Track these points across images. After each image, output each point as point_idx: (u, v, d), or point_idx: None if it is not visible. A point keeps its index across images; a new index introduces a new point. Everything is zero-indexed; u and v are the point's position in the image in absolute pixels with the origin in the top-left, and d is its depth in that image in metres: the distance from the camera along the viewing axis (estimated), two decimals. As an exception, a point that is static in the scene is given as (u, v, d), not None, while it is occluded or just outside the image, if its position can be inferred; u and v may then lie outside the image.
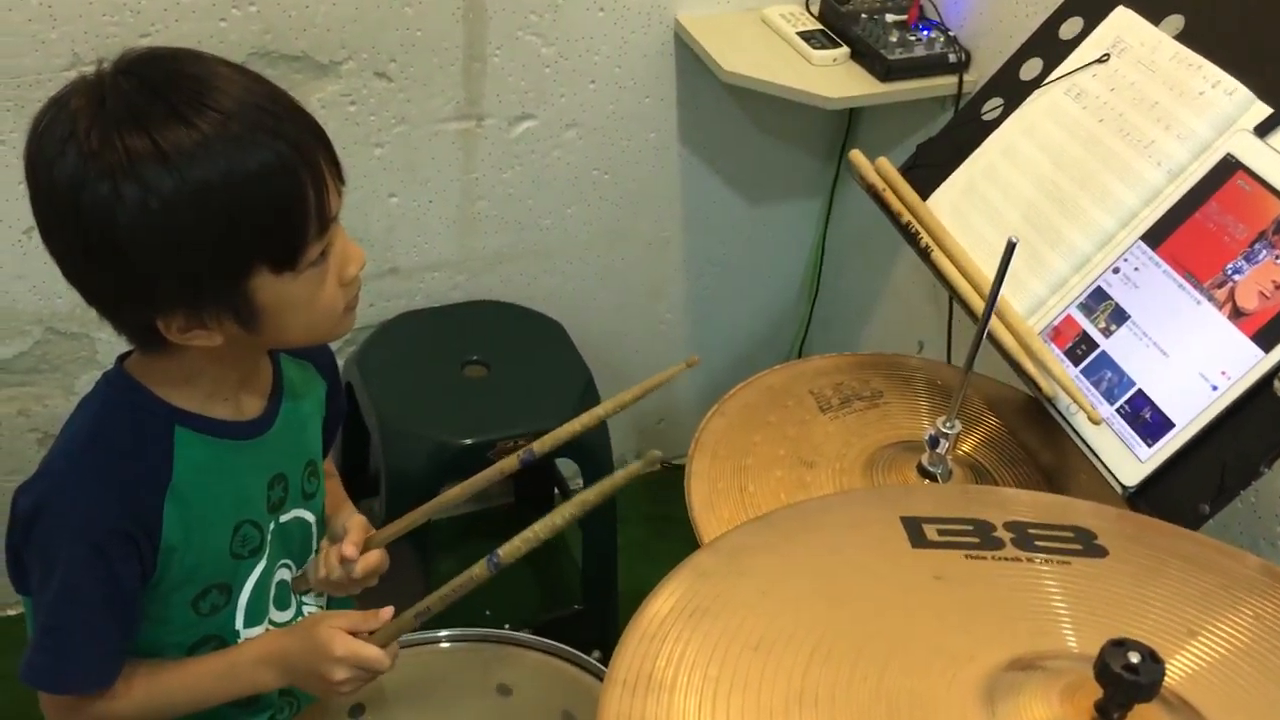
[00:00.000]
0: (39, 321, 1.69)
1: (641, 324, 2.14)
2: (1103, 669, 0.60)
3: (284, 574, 1.13)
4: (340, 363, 1.51)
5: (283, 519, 1.10)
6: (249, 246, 0.88)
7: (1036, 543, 0.80)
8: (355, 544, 1.11)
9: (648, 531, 2.07)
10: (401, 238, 1.84)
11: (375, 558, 1.12)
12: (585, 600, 1.89)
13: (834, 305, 2.18)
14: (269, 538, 1.08)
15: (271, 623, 1.12)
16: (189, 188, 0.84)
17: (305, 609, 1.18)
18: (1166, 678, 0.62)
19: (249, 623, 1.09)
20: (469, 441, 1.66)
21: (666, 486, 2.21)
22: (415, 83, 1.70)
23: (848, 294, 2.13)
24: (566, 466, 2.02)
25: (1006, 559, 0.78)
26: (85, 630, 0.98)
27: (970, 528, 0.80)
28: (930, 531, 0.79)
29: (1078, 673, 0.64)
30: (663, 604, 0.74)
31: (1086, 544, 0.81)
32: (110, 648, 1.00)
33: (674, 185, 1.98)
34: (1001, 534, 0.80)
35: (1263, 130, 1.11)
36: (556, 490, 2.16)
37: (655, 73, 1.84)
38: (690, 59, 1.81)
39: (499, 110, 1.78)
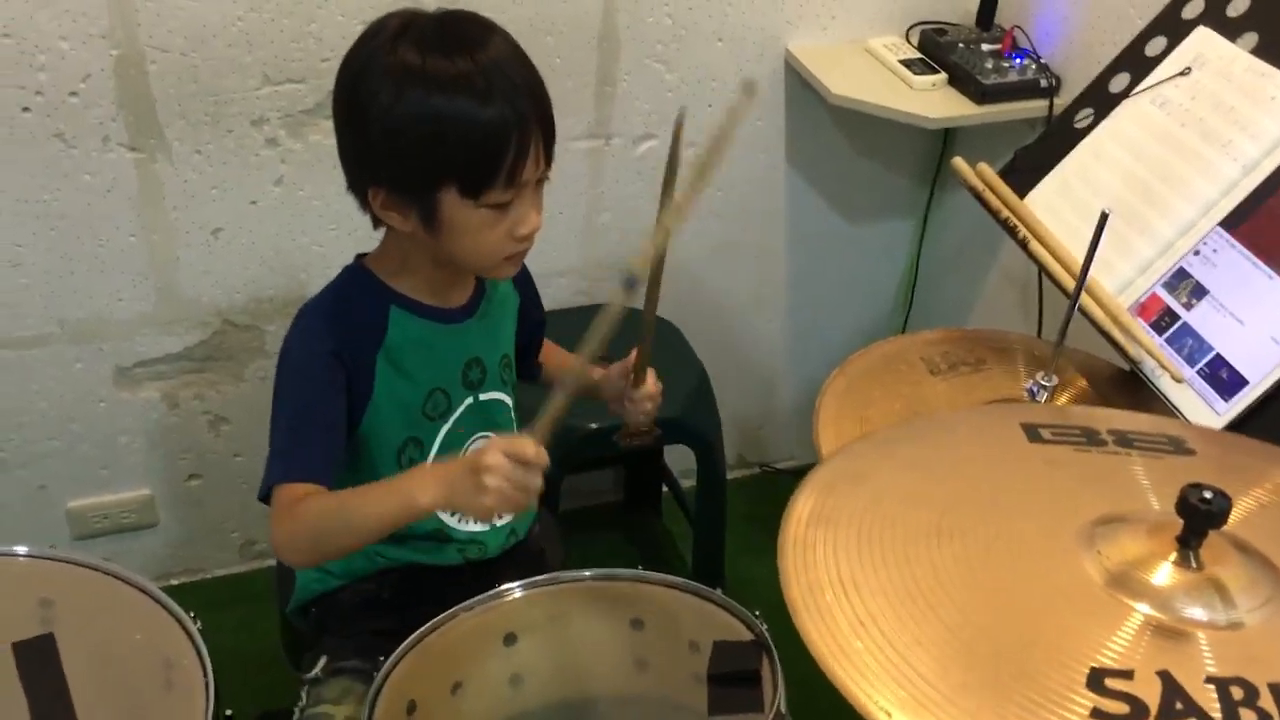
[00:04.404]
0: (218, 314, 1.89)
1: (748, 330, 2.30)
2: (1182, 502, 0.76)
3: (480, 444, 1.34)
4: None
5: (482, 397, 1.33)
6: (450, 165, 1.12)
7: (1135, 443, 0.95)
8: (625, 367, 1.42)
9: (748, 528, 2.20)
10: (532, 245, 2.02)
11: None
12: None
13: (926, 320, 2.32)
14: (459, 407, 1.31)
15: None
16: (430, 108, 1.09)
17: None
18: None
19: None
20: (595, 426, 1.83)
21: (763, 489, 2.36)
22: (553, 103, 1.89)
23: (940, 309, 2.27)
24: (679, 462, 2.17)
25: (1108, 453, 0.93)
26: (311, 437, 1.20)
27: (1079, 431, 0.95)
28: (1045, 433, 0.95)
29: (1162, 520, 0.79)
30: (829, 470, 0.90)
31: (1178, 447, 0.96)
32: (328, 452, 1.20)
33: (779, 202, 2.15)
34: (1105, 436, 0.95)
35: (1328, 127, 1.27)
36: (665, 487, 2.31)
37: (767, 98, 2.01)
38: (798, 85, 1.99)
39: (625, 130, 1.97)
